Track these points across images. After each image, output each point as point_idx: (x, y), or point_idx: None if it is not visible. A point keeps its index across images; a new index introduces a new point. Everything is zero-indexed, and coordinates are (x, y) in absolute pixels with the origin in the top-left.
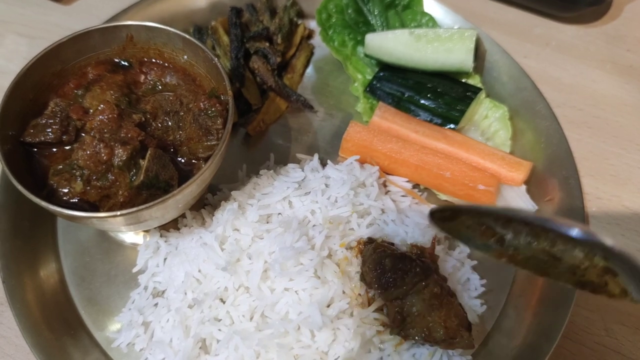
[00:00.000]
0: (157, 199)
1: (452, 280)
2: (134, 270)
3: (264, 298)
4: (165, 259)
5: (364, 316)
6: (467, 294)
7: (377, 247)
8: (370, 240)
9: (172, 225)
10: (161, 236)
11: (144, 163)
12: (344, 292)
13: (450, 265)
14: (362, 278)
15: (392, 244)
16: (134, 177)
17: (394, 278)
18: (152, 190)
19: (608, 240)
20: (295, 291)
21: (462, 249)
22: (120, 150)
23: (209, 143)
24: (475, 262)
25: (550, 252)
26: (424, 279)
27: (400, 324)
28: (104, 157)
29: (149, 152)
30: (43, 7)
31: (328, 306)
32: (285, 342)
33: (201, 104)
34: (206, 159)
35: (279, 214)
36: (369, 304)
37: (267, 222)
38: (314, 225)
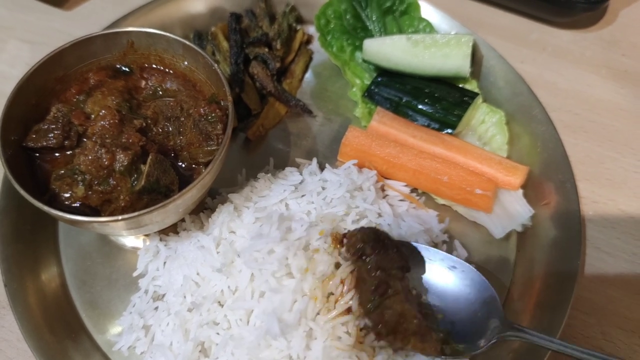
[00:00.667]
0: (158, 203)
1: None
2: (135, 274)
3: (246, 301)
4: (164, 263)
5: (327, 321)
6: None
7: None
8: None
9: (172, 229)
10: (161, 240)
11: (145, 168)
12: (304, 295)
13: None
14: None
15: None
16: (135, 182)
17: (375, 249)
18: (153, 195)
19: None
20: (267, 297)
21: (460, 253)
22: (122, 155)
23: (209, 148)
24: (473, 266)
25: None
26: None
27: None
28: (106, 162)
29: (150, 157)
30: (45, 13)
31: (291, 309)
32: (266, 352)
33: (201, 109)
34: (206, 164)
35: (273, 213)
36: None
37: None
38: (300, 220)
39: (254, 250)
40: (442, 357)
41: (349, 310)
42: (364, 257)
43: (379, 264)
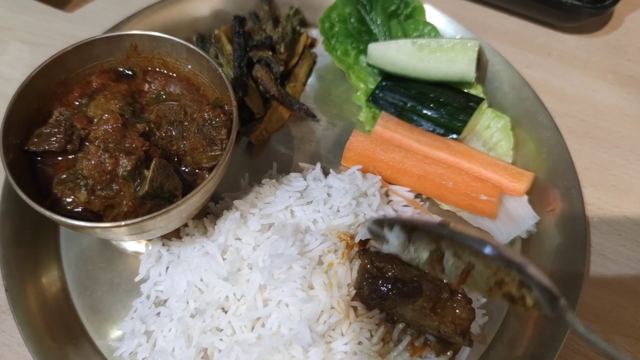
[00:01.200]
0: (161, 209)
1: None
2: (136, 279)
3: (258, 310)
4: (167, 268)
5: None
6: None
7: (363, 267)
8: (363, 243)
9: (174, 234)
10: (163, 245)
11: (148, 173)
12: (332, 307)
13: None
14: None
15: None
16: (139, 187)
17: (374, 304)
18: (156, 200)
19: (517, 258)
20: (286, 304)
21: None
22: (125, 160)
23: (213, 153)
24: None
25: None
26: (409, 300)
27: (392, 323)
28: (109, 167)
29: (153, 162)
30: (46, 15)
31: (318, 320)
32: (279, 358)
33: (205, 114)
34: (210, 169)
35: (284, 225)
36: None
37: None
38: (311, 232)
39: (274, 269)
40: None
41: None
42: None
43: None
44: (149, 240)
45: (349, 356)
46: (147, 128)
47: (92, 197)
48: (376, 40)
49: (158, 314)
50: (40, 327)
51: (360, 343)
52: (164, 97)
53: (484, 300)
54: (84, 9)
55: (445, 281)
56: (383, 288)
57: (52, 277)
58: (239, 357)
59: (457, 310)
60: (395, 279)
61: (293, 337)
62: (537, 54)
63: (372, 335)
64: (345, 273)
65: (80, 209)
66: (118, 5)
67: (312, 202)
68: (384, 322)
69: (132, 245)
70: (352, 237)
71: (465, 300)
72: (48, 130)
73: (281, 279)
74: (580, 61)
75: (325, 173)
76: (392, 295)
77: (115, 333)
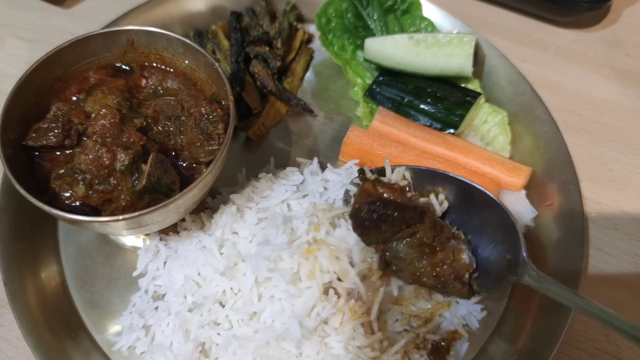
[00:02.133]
0: (159, 203)
1: None
2: (135, 273)
3: (253, 304)
4: (165, 263)
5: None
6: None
7: (365, 190)
8: (362, 172)
9: (172, 229)
10: (161, 239)
11: (145, 168)
12: (322, 300)
13: None
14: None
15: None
16: (136, 182)
17: (370, 227)
18: (154, 194)
19: None
20: (279, 299)
21: None
22: (123, 154)
23: (210, 148)
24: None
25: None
26: (410, 227)
27: (385, 268)
28: (106, 162)
29: (150, 156)
30: (44, 11)
31: (310, 315)
32: (273, 353)
33: (202, 109)
34: (207, 164)
35: (277, 215)
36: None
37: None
38: (297, 217)
39: (260, 257)
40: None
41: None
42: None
43: (376, 241)
44: (147, 235)
45: (344, 351)
46: (144, 123)
47: (90, 192)
48: (373, 35)
49: (156, 308)
50: (39, 322)
51: (354, 339)
52: (161, 92)
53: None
54: (82, 5)
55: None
56: (383, 210)
57: (51, 272)
58: (236, 351)
59: (459, 255)
60: (397, 204)
61: (284, 332)
62: (534, 49)
63: (365, 332)
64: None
65: (78, 204)
66: (116, 1)
67: (308, 195)
68: (376, 269)
69: (130, 240)
70: None
71: (467, 246)
72: (46, 126)
73: (270, 269)
74: (577, 56)
75: (323, 168)
76: (392, 219)
77: (113, 327)
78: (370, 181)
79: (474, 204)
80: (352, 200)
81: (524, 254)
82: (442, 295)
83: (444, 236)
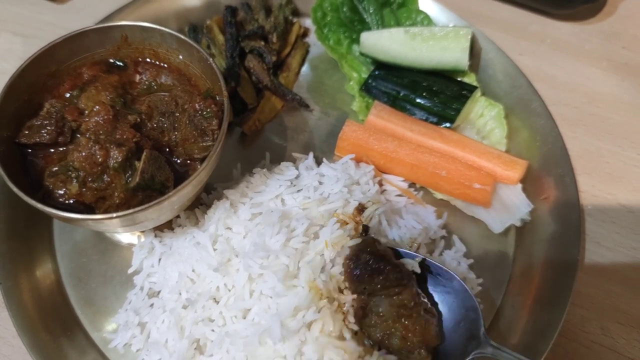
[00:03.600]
0: (153, 200)
1: None
2: (130, 271)
3: (245, 301)
4: (159, 259)
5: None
6: None
7: (367, 242)
8: (365, 230)
9: (167, 225)
10: (155, 236)
11: (139, 165)
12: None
13: (446, 263)
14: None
15: (391, 248)
16: (130, 179)
17: (365, 274)
18: (148, 191)
19: None
20: (268, 296)
21: (458, 248)
22: (116, 151)
23: (204, 144)
24: (471, 261)
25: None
26: (397, 287)
27: (360, 319)
28: (100, 159)
29: (144, 153)
30: (38, 6)
31: (295, 316)
32: (261, 351)
33: (196, 105)
34: (202, 160)
35: (272, 211)
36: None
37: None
38: (297, 217)
39: (256, 257)
40: None
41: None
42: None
43: (363, 291)
44: (142, 231)
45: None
46: (138, 119)
47: (84, 189)
48: (369, 29)
49: (151, 305)
50: (35, 320)
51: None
52: (155, 88)
53: (478, 288)
54: (76, 0)
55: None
56: (382, 263)
57: (46, 270)
58: (229, 348)
59: (430, 327)
60: (393, 262)
61: (266, 330)
62: (531, 42)
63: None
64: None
65: (72, 201)
66: None
67: (302, 189)
68: (351, 309)
69: (126, 237)
70: (355, 216)
71: (438, 324)
72: (39, 123)
73: (262, 265)
74: (573, 48)
75: (319, 162)
76: (386, 274)
77: (109, 325)
78: (372, 238)
79: (436, 281)
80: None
81: (483, 330)
82: None
83: (421, 306)
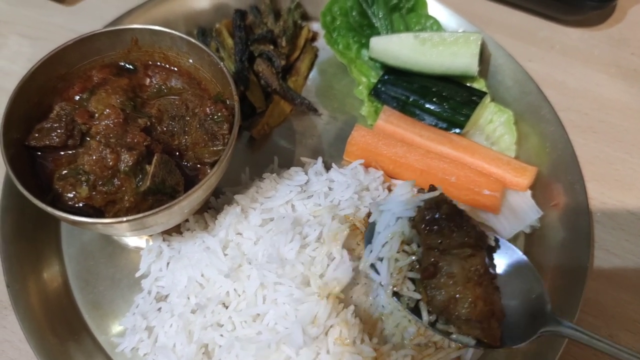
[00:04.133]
0: (163, 204)
1: None
2: (137, 274)
3: (257, 306)
4: (168, 264)
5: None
6: None
7: (442, 195)
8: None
9: (175, 229)
10: (164, 240)
11: (150, 168)
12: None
13: None
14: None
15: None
16: (140, 183)
17: (444, 227)
18: (158, 195)
19: None
20: (283, 303)
21: None
22: (127, 155)
23: (215, 148)
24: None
25: None
26: (474, 248)
27: (430, 276)
28: (110, 163)
29: (155, 157)
30: (46, 9)
31: (314, 322)
32: (274, 356)
33: (207, 109)
34: (212, 164)
35: (284, 217)
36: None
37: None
38: (309, 223)
39: (271, 267)
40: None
41: None
42: (434, 228)
43: (438, 246)
44: (150, 235)
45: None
46: (148, 123)
47: (94, 193)
48: (378, 33)
49: (159, 309)
50: (42, 323)
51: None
52: (165, 91)
53: None
54: (84, 2)
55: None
56: (459, 217)
57: (54, 273)
58: (239, 353)
59: (498, 299)
60: (469, 218)
61: (286, 337)
62: (540, 48)
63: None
64: (347, 271)
65: (81, 205)
66: None
67: (312, 195)
68: (421, 271)
69: (133, 240)
70: (367, 221)
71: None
72: (49, 125)
73: (279, 274)
74: (583, 54)
75: (327, 167)
76: (466, 230)
77: (116, 329)
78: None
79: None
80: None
81: (549, 307)
82: (464, 333)
83: (491, 275)
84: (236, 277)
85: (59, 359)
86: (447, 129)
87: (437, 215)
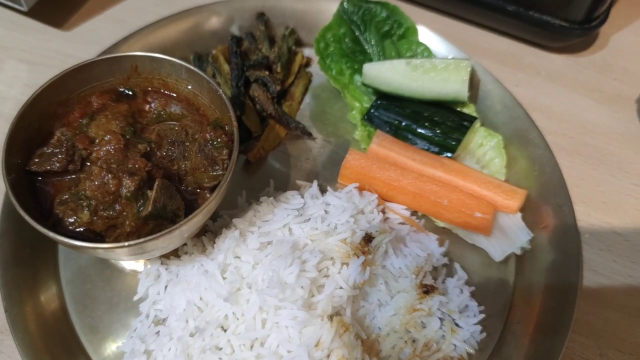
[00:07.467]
0: (164, 229)
1: (452, 306)
2: (135, 298)
3: (257, 330)
4: (166, 287)
5: None
6: (466, 320)
7: None
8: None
9: (173, 253)
10: (162, 264)
11: (151, 194)
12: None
13: (449, 291)
14: None
15: None
16: (141, 208)
17: None
18: (159, 220)
19: None
20: (285, 326)
21: (460, 276)
22: (128, 181)
23: (214, 173)
24: (473, 288)
25: None
26: None
27: None
28: (112, 188)
29: (156, 183)
30: (43, 34)
31: (317, 345)
32: None
33: (207, 134)
34: (211, 189)
35: (282, 242)
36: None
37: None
38: (309, 249)
39: (272, 293)
40: None
41: None
42: None
43: None
44: (148, 259)
45: None
46: (148, 148)
47: (95, 218)
48: (370, 60)
49: (158, 333)
50: (40, 348)
51: None
52: (164, 117)
53: (481, 315)
54: (81, 27)
55: None
56: None
57: (51, 297)
58: None
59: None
60: None
61: None
62: (526, 73)
63: None
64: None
65: (82, 229)
66: (115, 24)
67: (309, 219)
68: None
69: (130, 263)
70: (363, 246)
71: None
72: (50, 151)
73: (280, 298)
74: (568, 80)
75: (322, 190)
76: None
77: (115, 353)
78: None
79: None
80: None
81: None
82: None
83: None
84: (235, 300)
85: None
86: (439, 153)
87: None
